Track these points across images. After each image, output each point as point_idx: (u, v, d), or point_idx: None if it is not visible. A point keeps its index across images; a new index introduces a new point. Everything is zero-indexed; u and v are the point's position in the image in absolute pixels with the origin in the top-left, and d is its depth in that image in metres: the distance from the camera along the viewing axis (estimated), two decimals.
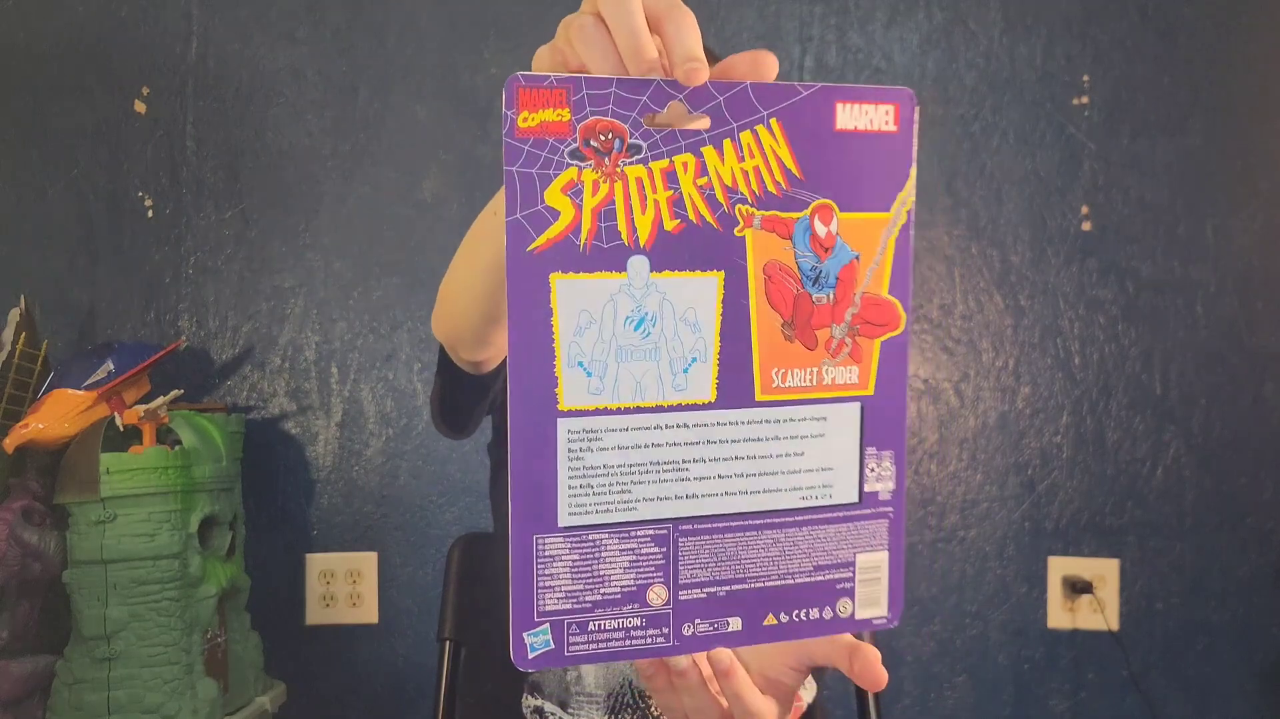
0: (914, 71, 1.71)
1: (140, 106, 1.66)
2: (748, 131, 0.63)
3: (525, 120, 0.60)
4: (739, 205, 0.65)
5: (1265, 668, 1.67)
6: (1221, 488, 1.68)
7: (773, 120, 0.64)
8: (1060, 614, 1.68)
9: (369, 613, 1.66)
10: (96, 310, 1.65)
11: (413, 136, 1.68)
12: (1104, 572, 1.67)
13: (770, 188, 0.64)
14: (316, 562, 1.66)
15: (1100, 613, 1.66)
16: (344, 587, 1.66)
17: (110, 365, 1.40)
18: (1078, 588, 1.66)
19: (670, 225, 0.63)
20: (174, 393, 1.40)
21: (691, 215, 0.64)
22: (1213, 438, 1.68)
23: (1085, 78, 1.70)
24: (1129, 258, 1.69)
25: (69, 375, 1.40)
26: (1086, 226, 1.70)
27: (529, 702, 0.99)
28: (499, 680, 1.02)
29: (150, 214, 1.67)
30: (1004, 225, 1.70)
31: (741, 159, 0.64)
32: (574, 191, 0.62)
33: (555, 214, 0.62)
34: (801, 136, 0.64)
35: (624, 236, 0.63)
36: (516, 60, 1.69)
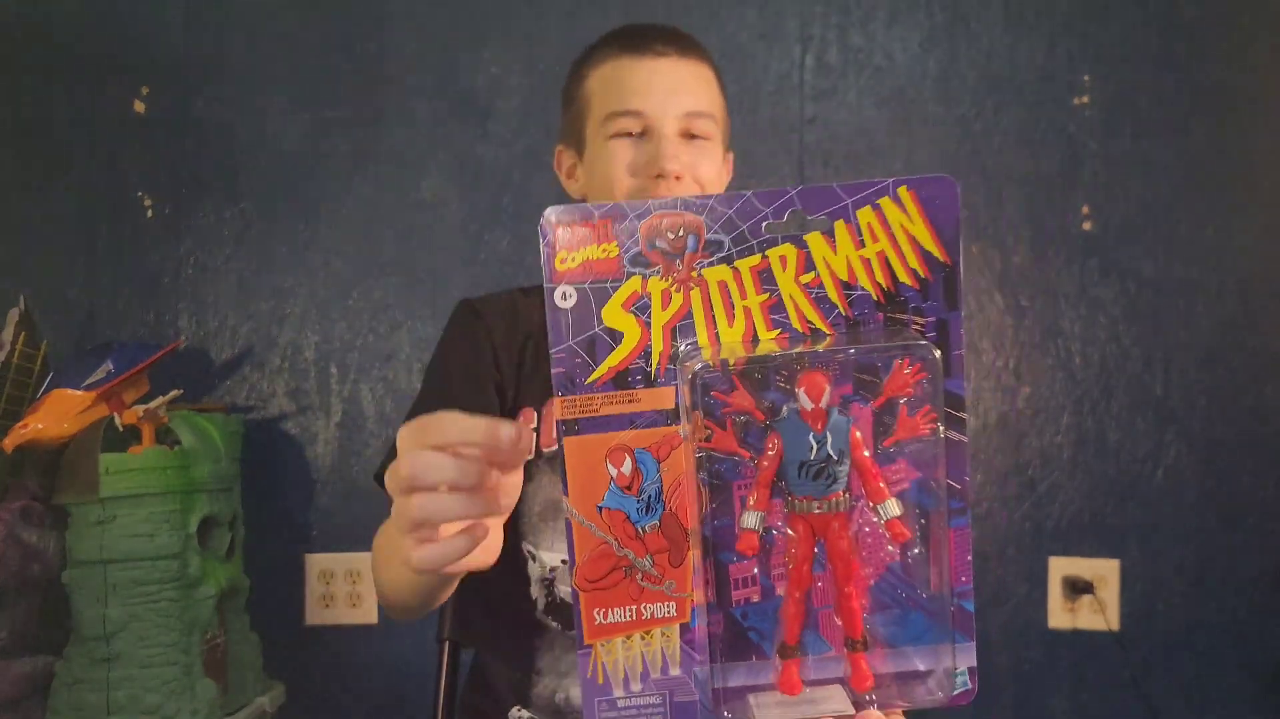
0: (914, 71, 1.71)
1: (140, 106, 1.66)
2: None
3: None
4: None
5: (1265, 668, 1.67)
6: (1222, 488, 1.67)
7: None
8: (1061, 614, 1.68)
9: (368, 613, 1.66)
10: (96, 310, 1.65)
11: (413, 136, 1.68)
12: (1105, 572, 1.67)
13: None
14: (316, 562, 1.66)
15: (1101, 613, 1.66)
16: (343, 587, 1.65)
17: (109, 365, 1.40)
18: (1078, 588, 1.66)
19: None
20: (173, 393, 1.40)
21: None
22: (1213, 438, 1.68)
23: (1086, 77, 1.70)
24: (1129, 258, 1.69)
25: (68, 375, 1.40)
26: (1087, 226, 1.69)
27: (519, 714, 0.99)
28: (493, 691, 1.02)
29: (150, 214, 1.67)
30: (1004, 225, 1.70)
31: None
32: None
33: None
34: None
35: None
36: (517, 60, 1.69)
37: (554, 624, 0.98)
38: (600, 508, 0.53)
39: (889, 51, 1.71)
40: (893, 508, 0.51)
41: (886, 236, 0.51)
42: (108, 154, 1.66)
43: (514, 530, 0.99)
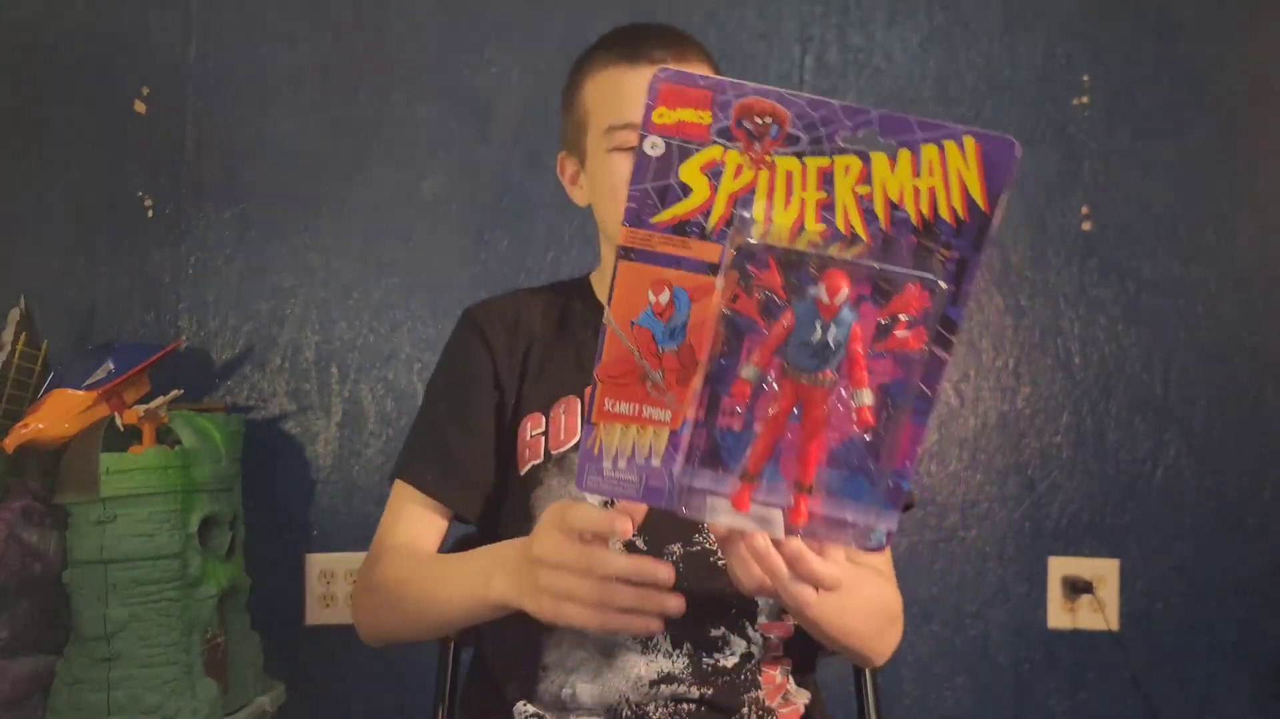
0: (914, 71, 1.71)
1: (140, 106, 1.66)
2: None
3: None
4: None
5: (1265, 668, 1.67)
6: (1221, 488, 1.68)
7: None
8: (1060, 614, 1.68)
9: None
10: (96, 310, 1.65)
11: (413, 136, 1.68)
12: (1104, 572, 1.67)
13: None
14: (316, 562, 1.66)
15: (1100, 613, 1.66)
16: (344, 587, 1.65)
17: (110, 365, 1.40)
18: (1078, 588, 1.66)
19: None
20: (174, 393, 1.40)
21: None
22: (1213, 438, 1.68)
23: (1085, 78, 1.70)
24: (1129, 258, 1.69)
25: (69, 375, 1.40)
26: (1086, 226, 1.70)
27: (524, 708, 0.99)
28: (495, 687, 1.02)
29: (150, 214, 1.67)
30: (1004, 225, 1.70)
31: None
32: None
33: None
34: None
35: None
36: (517, 60, 1.69)
37: None
38: (633, 323, 0.62)
39: (888, 52, 1.71)
40: (866, 397, 0.59)
41: (941, 175, 0.57)
42: (108, 154, 1.66)
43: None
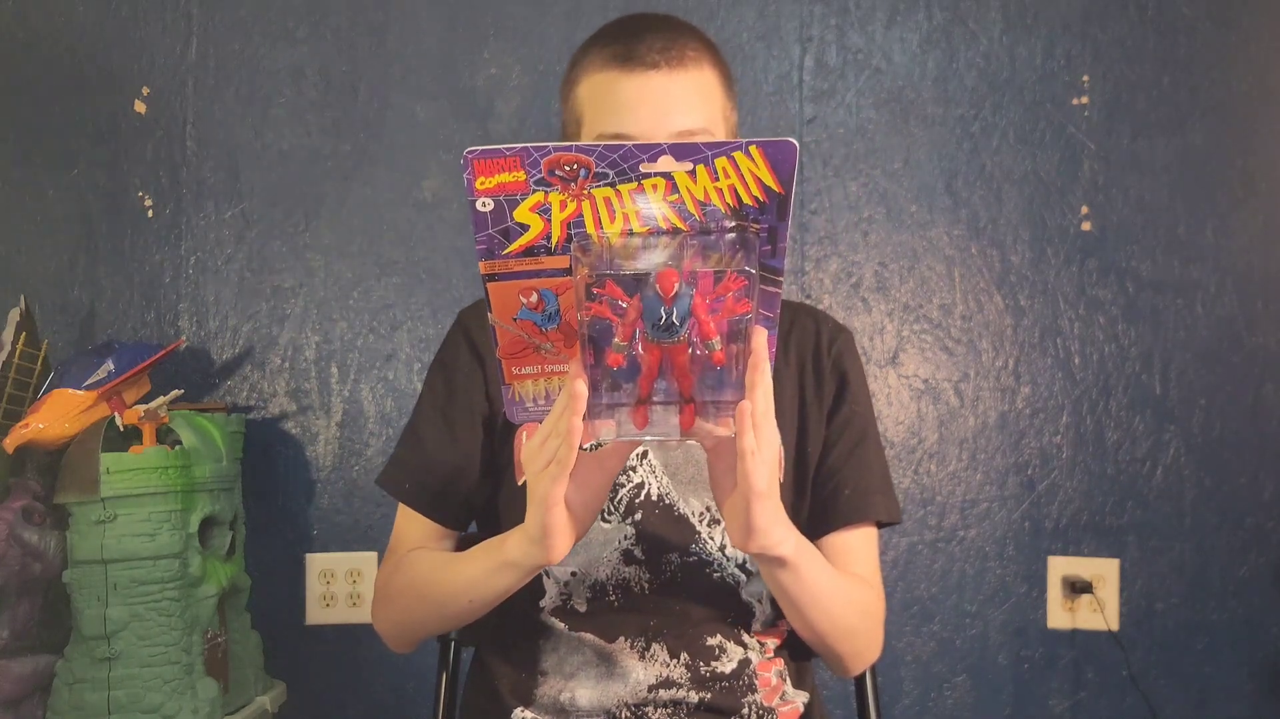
0: (914, 71, 1.71)
1: (140, 106, 1.66)
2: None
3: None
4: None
5: (1265, 668, 1.67)
6: (1221, 488, 1.68)
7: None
8: (1060, 614, 1.68)
9: (369, 613, 1.66)
10: (96, 310, 1.65)
11: (413, 136, 1.68)
12: (1104, 571, 1.67)
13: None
14: (316, 562, 1.66)
15: (1100, 613, 1.66)
16: (344, 587, 1.66)
17: (110, 365, 1.40)
18: (1077, 588, 1.66)
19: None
20: (174, 393, 1.40)
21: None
22: (1213, 438, 1.68)
23: (1085, 78, 1.70)
24: (1129, 258, 1.69)
25: (69, 375, 1.40)
26: (1086, 226, 1.70)
27: (523, 714, 0.99)
28: (494, 693, 1.02)
29: (150, 214, 1.67)
30: (1004, 225, 1.70)
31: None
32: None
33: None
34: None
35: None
36: (517, 60, 1.69)
37: (560, 625, 0.98)
38: (515, 318, 0.73)
39: (888, 52, 1.71)
40: (715, 344, 0.69)
41: (736, 175, 0.66)
42: (108, 154, 1.66)
43: None
